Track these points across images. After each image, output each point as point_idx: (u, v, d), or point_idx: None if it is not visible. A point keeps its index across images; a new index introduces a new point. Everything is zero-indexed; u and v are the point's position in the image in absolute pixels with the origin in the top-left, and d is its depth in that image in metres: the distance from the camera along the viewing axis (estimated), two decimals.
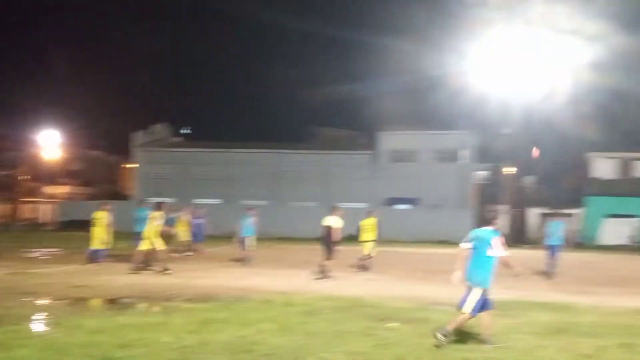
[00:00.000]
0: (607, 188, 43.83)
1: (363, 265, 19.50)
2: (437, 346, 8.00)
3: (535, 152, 34.20)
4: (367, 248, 19.53)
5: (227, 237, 23.21)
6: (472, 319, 8.45)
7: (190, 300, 11.91)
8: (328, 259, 16.99)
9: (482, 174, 49.63)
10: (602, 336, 9.11)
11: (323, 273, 16.82)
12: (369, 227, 19.63)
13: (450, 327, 8.26)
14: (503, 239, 8.63)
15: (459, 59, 40.55)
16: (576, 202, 44.37)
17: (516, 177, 47.03)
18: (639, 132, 43.90)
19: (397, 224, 39.21)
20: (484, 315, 8.47)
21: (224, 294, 12.73)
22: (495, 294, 13.60)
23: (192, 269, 17.91)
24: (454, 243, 29.49)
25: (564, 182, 50.64)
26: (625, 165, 44.52)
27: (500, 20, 39.41)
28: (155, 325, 9.03)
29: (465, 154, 47.05)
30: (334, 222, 17.12)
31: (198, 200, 40.00)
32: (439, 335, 8.10)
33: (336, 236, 16.98)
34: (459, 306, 8.41)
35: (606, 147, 45.01)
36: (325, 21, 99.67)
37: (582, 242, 41.38)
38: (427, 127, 46.86)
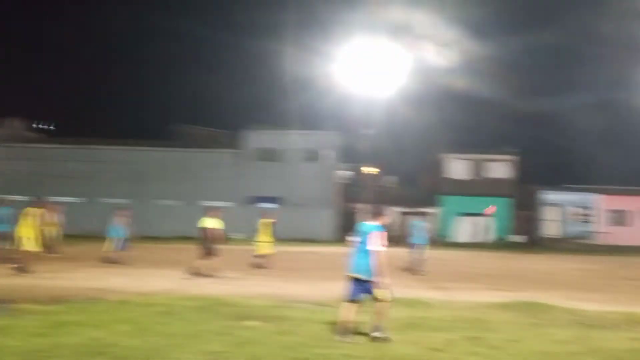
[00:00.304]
0: (461, 188, 46.11)
1: (259, 264, 19.85)
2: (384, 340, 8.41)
3: (490, 209, 35.23)
4: (263, 248, 20.03)
5: (89, 236, 22.44)
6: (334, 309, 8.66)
7: (42, 302, 11.38)
8: (203, 259, 17.00)
9: (345, 173, 50.70)
10: (452, 330, 9.58)
11: (195, 273, 16.71)
12: (265, 228, 20.23)
13: (381, 322, 8.63)
14: (385, 235, 8.82)
15: (324, 60, 41.36)
16: (432, 202, 46.35)
17: (377, 176, 48.55)
18: (490, 135, 46.44)
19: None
20: (353, 307, 8.77)
21: (80, 295, 12.30)
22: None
23: (50, 270, 17.19)
24: (317, 241, 30.05)
25: (421, 182, 52.81)
26: (477, 166, 46.99)
27: (364, 25, 40.53)
28: (1, 329, 8.62)
29: (330, 154, 47.90)
30: (211, 223, 17.22)
31: (57, 198, 38.31)
32: (379, 335, 8.53)
33: (215, 237, 17.08)
34: (350, 298, 8.75)
35: (460, 148, 47.38)
36: (194, 20, 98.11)
37: (437, 240, 43.30)
38: (293, 127, 47.30)
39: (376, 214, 9.19)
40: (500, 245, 42.14)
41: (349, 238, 9.06)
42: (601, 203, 47.16)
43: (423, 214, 42.31)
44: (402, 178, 53.10)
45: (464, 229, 45.49)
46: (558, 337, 9.29)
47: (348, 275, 8.82)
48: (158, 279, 16.14)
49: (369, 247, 8.66)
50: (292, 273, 19.08)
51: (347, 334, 8.60)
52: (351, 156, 48.61)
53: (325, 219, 42.84)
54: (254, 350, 7.87)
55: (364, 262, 8.66)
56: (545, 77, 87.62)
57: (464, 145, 48.05)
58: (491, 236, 45.15)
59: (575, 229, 46.67)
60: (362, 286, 8.69)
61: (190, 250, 17.74)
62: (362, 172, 47.34)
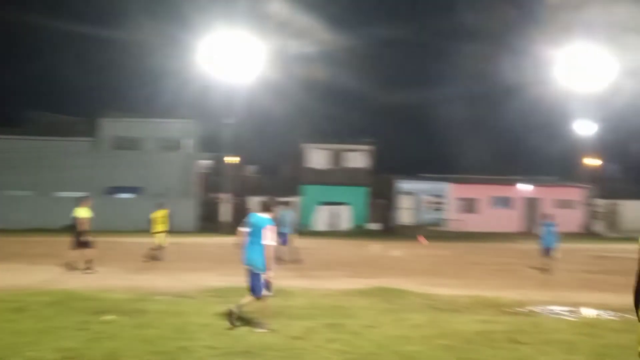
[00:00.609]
0: (321, 177, 46.89)
1: (154, 256, 19.70)
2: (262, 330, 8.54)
3: (422, 240, 35.05)
4: (159, 239, 19.89)
5: None
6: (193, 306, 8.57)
7: None
8: (77, 251, 16.54)
9: (205, 163, 50.17)
10: (312, 318, 9.75)
11: (71, 266, 16.31)
12: (160, 219, 20.05)
13: (261, 316, 8.81)
14: (275, 228, 8.96)
15: (185, 50, 40.70)
16: (294, 191, 46.81)
17: (238, 166, 48.40)
18: (348, 125, 47.51)
19: (119, 214, 38.30)
20: (250, 299, 8.92)
21: None
22: (213, 281, 14.02)
23: None
24: (177, 232, 29.54)
25: (282, 171, 53.21)
26: (337, 156, 47.93)
27: (224, 14, 40.20)
28: None
29: (190, 143, 47.15)
30: (82, 212, 16.70)
31: None
32: (259, 330, 8.62)
33: (84, 226, 16.51)
34: (252, 290, 8.85)
35: (320, 138, 48.16)
36: (49, 6, 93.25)
37: (299, 229, 43.82)
38: (152, 115, 46.14)
39: (267, 207, 9.27)
40: (357, 233, 43.26)
41: (239, 229, 9.11)
42: (452, 191, 49.45)
43: (285, 203, 42.69)
44: (263, 167, 53.25)
45: (323, 218, 46.33)
46: (413, 321, 9.67)
47: (245, 266, 8.93)
48: (7, 274, 15.31)
49: (263, 241, 8.74)
50: (152, 265, 18.69)
51: (263, 324, 8.83)
52: (212, 145, 48.13)
53: (186, 210, 42.16)
54: (111, 345, 7.65)
55: (256, 254, 8.79)
56: (401, 70, 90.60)
57: (323, 135, 48.86)
58: (349, 224, 46.24)
59: (429, 216, 48.67)
60: (251, 276, 8.86)
61: (45, 242, 16.94)
62: (224, 161, 47.01)
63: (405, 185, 49.00)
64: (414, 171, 51.44)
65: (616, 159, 60.15)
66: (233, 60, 39.83)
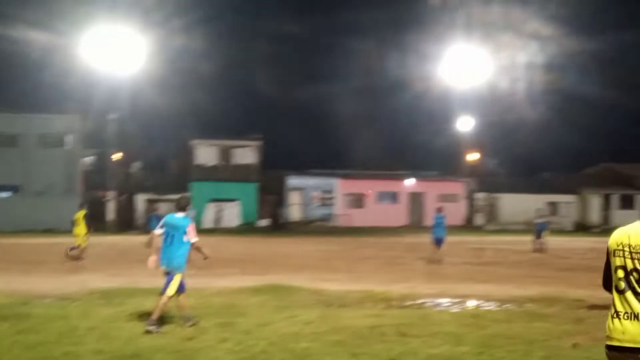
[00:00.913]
0: (210, 174, 46.37)
1: (74, 256, 19.50)
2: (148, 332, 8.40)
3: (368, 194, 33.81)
4: (80, 239, 19.61)
5: None
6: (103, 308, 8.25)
7: None
8: None
9: (89, 159, 48.58)
10: (203, 318, 9.55)
11: None
12: (81, 220, 19.80)
13: (156, 315, 8.63)
14: (194, 226, 9.09)
15: (68, 43, 39.20)
16: (182, 188, 46.04)
17: (124, 163, 47.14)
18: (238, 121, 47.19)
19: None
20: (181, 298, 9.01)
21: None
22: (99, 283, 13.58)
23: None
24: (60, 232, 28.37)
25: (170, 168, 52.26)
26: (226, 152, 47.53)
27: (108, 7, 39.00)
28: None
29: (72, 139, 45.45)
30: None
31: None
32: (150, 328, 8.46)
33: None
34: (162, 291, 8.79)
35: (208, 134, 47.62)
36: None
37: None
38: (32, 110, 44.11)
39: (182, 206, 9.31)
40: (247, 229, 43.09)
41: (157, 231, 9.06)
42: (341, 187, 50.10)
43: (172, 201, 41.99)
44: (150, 164, 52.09)
45: (212, 215, 45.82)
46: (304, 317, 9.69)
47: (164, 269, 8.93)
48: None
49: (188, 239, 8.91)
50: (35, 267, 17.88)
51: (189, 320, 8.95)
52: (96, 142, 46.67)
53: (69, 208, 40.62)
54: None
55: (172, 254, 8.86)
56: (291, 66, 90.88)
57: (212, 131, 48.38)
58: (238, 221, 45.97)
59: (318, 212, 49.12)
60: (169, 277, 8.85)
61: None
62: (108, 158, 45.65)
63: (295, 181, 49.25)
64: (304, 167, 51.80)
65: (494, 153, 62.90)
66: (117, 54, 38.72)
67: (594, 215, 52.47)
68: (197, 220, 44.20)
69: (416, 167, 54.37)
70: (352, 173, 51.98)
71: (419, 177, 51.86)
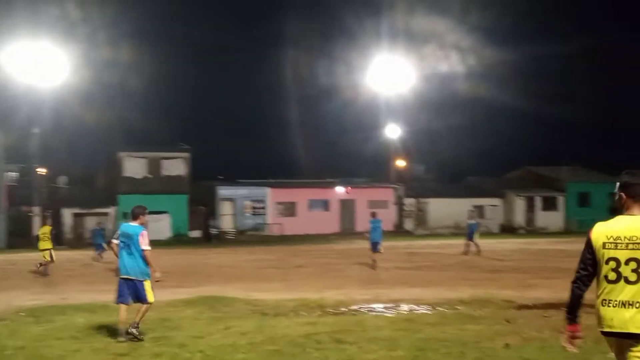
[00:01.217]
0: (139, 186, 45.54)
1: (42, 272, 19.65)
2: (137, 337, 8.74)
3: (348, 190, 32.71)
4: (46, 255, 19.68)
5: None
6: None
7: None
8: None
9: (12, 175, 47.06)
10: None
11: None
12: (46, 235, 19.89)
13: (138, 321, 8.90)
14: (146, 234, 9.11)
15: None
16: (110, 201, 45.09)
17: (49, 177, 45.86)
18: (165, 133, 46.58)
19: None
20: (122, 310, 9.09)
21: None
22: (26, 301, 13.16)
23: None
24: None
25: (97, 181, 51.12)
26: (154, 164, 46.78)
27: (29, 21, 38.02)
28: None
29: None
30: None
31: None
32: (135, 333, 8.78)
33: None
34: (141, 300, 8.98)
35: (135, 146, 46.80)
36: None
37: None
38: None
39: (137, 215, 9.35)
40: (178, 241, 42.50)
41: (114, 241, 9.30)
42: (272, 196, 50.00)
43: (100, 214, 41.08)
44: (77, 178, 50.78)
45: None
46: (240, 328, 9.62)
47: (121, 277, 9.08)
48: None
49: (141, 247, 8.95)
50: None
51: (123, 335, 8.86)
52: (20, 156, 45.27)
53: None
54: None
55: (134, 263, 8.97)
56: (217, 76, 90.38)
57: (139, 143, 47.55)
58: (169, 233, 45.30)
59: (250, 221, 48.88)
60: (133, 287, 8.99)
61: None
62: (33, 172, 44.32)
63: (225, 191, 48.90)
64: (234, 177, 51.52)
65: (421, 159, 64.03)
66: (39, 68, 37.78)
67: (519, 217, 53.91)
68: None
69: (346, 174, 54.79)
70: (283, 182, 51.99)
71: (349, 184, 52.25)
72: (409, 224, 52.43)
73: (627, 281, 4.02)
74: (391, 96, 52.81)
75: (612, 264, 4.08)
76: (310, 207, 50.93)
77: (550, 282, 16.07)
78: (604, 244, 4.12)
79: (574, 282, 4.37)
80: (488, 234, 42.23)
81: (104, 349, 8.34)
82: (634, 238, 4.02)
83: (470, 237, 27.06)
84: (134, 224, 9.24)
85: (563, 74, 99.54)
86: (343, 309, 11.68)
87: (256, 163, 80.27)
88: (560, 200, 55.47)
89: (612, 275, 4.09)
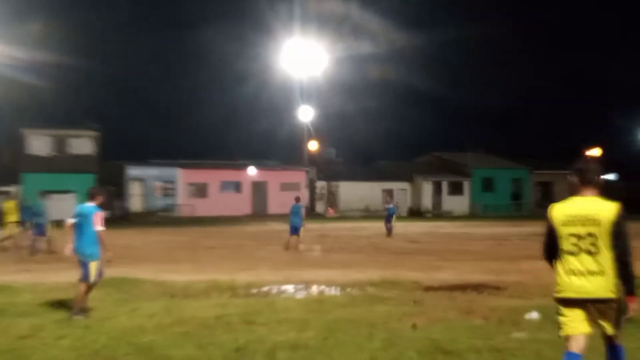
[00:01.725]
0: (43, 165, 44.03)
1: (4, 247, 20.13)
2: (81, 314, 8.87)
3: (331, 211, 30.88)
4: (11, 229, 20.27)
5: None
6: None
7: None
8: None
9: None
10: (40, 314, 9.12)
11: None
12: (11, 209, 20.39)
13: (80, 303, 8.99)
14: (103, 215, 9.19)
15: None
16: (12, 179, 43.40)
17: None
18: (73, 110, 45.11)
19: None
20: (81, 286, 9.12)
21: None
22: None
23: None
24: None
25: (1, 158, 49.11)
26: (61, 142, 45.28)
27: None
28: None
29: None
30: None
31: None
32: (76, 317, 8.74)
33: None
34: (83, 279, 9.05)
35: (41, 124, 45.18)
36: None
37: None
38: None
39: (93, 195, 9.40)
40: None
41: (68, 220, 9.37)
42: (183, 177, 49.33)
43: (1, 192, 39.44)
44: None
45: (50, 207, 43.41)
46: (148, 310, 9.46)
47: (79, 257, 9.16)
48: None
49: (94, 228, 9.01)
50: None
51: (81, 313, 8.92)
52: None
53: None
54: None
55: (86, 243, 9.05)
56: (128, 54, 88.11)
57: (45, 120, 45.92)
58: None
59: (160, 202, 48.11)
60: (84, 267, 9.08)
61: None
62: None
63: (135, 171, 47.94)
64: (144, 157, 50.55)
65: (333, 142, 64.58)
66: None
67: (426, 201, 55.19)
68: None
69: (258, 156, 54.66)
70: (195, 163, 51.37)
71: (262, 166, 52.15)
72: (320, 207, 52.82)
73: (589, 253, 4.60)
74: (304, 79, 52.97)
75: (573, 239, 4.65)
76: (222, 189, 50.58)
77: (455, 264, 16.55)
78: (564, 221, 4.71)
79: (549, 257, 4.93)
80: (397, 217, 42.97)
81: (6, 331, 8.04)
82: (589, 215, 4.62)
83: (388, 220, 27.52)
84: (91, 204, 9.25)
85: (469, 60, 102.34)
86: (254, 291, 11.66)
87: (167, 144, 79.07)
88: (466, 185, 57.10)
89: (574, 248, 4.65)
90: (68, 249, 9.29)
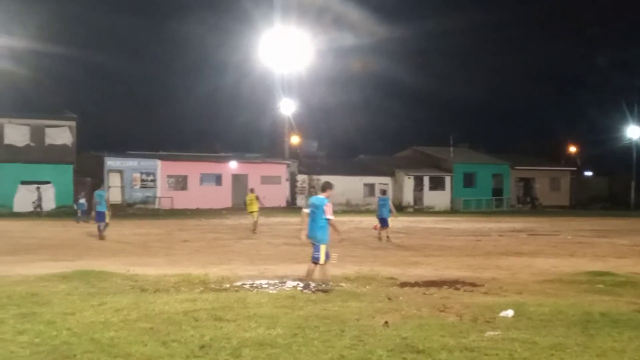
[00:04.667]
0: (20, 155, 43.43)
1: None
2: (326, 291, 10.34)
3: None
4: None
5: None
6: None
7: None
8: None
9: None
10: (0, 308, 8.84)
11: None
12: None
13: (321, 278, 10.74)
14: (331, 205, 10.69)
15: None
16: None
17: None
18: (51, 99, 44.54)
19: None
20: (312, 266, 10.81)
21: None
22: None
23: None
24: None
25: None
26: (38, 131, 44.64)
27: None
28: None
29: None
30: None
31: None
32: (322, 289, 10.43)
33: None
34: (314, 260, 10.71)
35: (17, 113, 44.54)
36: None
37: None
38: None
39: (324, 188, 11.08)
40: (62, 213, 40.93)
41: (304, 210, 11.01)
42: (162, 168, 48.87)
43: None
44: None
45: (23, 198, 42.87)
46: (115, 305, 9.18)
47: (312, 242, 10.76)
48: None
49: (325, 216, 10.56)
50: None
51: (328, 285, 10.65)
52: None
53: None
54: None
55: (318, 229, 10.62)
56: (108, 45, 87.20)
57: (21, 109, 45.28)
58: (53, 204, 43.51)
59: (139, 194, 47.65)
60: (316, 249, 10.66)
61: None
62: None
63: (114, 162, 47.44)
64: (123, 148, 50.05)
65: (314, 136, 64.39)
66: None
67: (408, 195, 55.12)
68: (5, 204, 41.36)
69: (239, 149, 54.30)
70: (175, 155, 50.95)
71: (242, 159, 51.81)
72: (301, 201, 52.59)
73: None
74: (285, 71, 52.66)
75: None
76: (202, 181, 50.20)
77: (432, 259, 16.40)
78: None
79: None
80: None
81: None
82: None
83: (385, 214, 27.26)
84: (322, 196, 10.86)
85: (451, 53, 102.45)
86: (226, 285, 11.41)
87: (147, 135, 78.38)
88: (447, 180, 57.10)
89: None
90: (303, 234, 10.89)
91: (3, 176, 42.70)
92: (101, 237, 22.25)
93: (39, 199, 40.91)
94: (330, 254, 10.91)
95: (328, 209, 10.61)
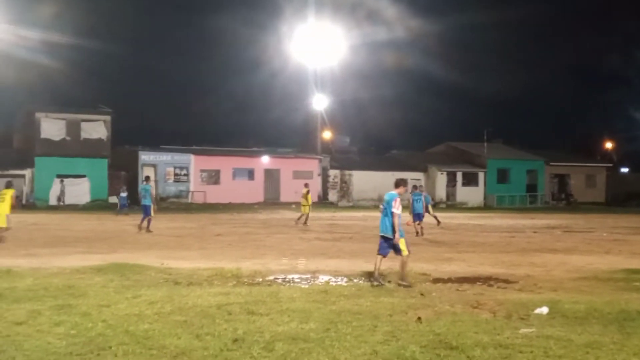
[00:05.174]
0: (57, 149, 44.04)
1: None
2: (407, 286, 10.60)
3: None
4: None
5: None
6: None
7: None
8: None
9: None
10: (38, 300, 8.96)
11: None
12: (9, 198, 17.95)
13: (403, 272, 11.04)
14: (400, 200, 11.06)
15: None
16: (26, 163, 43.48)
17: None
18: (86, 94, 45.00)
19: None
20: (381, 259, 11.17)
21: None
22: None
23: None
24: None
25: (13, 142, 49.22)
26: (74, 126, 45.21)
27: None
28: None
29: None
30: None
31: None
32: (405, 283, 10.73)
33: None
34: (398, 254, 11.01)
35: (55, 107, 45.14)
36: None
37: (34, 203, 41.09)
38: None
39: (397, 184, 11.49)
40: (97, 206, 41.48)
41: (379, 205, 11.53)
42: (195, 163, 49.18)
43: (16, 176, 39.48)
44: None
45: (60, 191, 43.57)
46: (149, 298, 9.28)
47: (381, 235, 11.20)
48: None
49: (392, 209, 10.90)
50: None
51: (379, 280, 10.92)
52: None
53: None
54: None
55: (390, 223, 10.97)
56: (142, 41, 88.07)
57: (59, 104, 45.93)
58: (88, 198, 44.09)
59: (173, 188, 48.03)
60: (388, 242, 11.04)
61: None
62: None
63: (148, 156, 47.84)
64: (157, 142, 50.47)
65: (347, 131, 64.32)
66: None
67: (440, 191, 54.75)
68: (43, 197, 42.03)
69: (271, 144, 54.42)
70: (208, 149, 51.23)
71: (275, 154, 51.93)
72: (333, 196, 52.56)
73: None
74: (319, 67, 52.61)
75: None
76: (235, 176, 50.39)
77: (465, 255, 16.27)
78: None
79: None
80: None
81: (2, 317, 7.88)
82: None
83: (426, 210, 27.02)
84: (394, 192, 11.23)
85: (487, 48, 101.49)
86: (259, 280, 11.46)
87: (181, 130, 79.04)
88: (481, 176, 56.60)
89: None
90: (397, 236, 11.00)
91: (40, 170, 43.37)
92: (140, 228, 22.68)
93: (62, 191, 41.68)
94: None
95: (395, 203, 10.99)
